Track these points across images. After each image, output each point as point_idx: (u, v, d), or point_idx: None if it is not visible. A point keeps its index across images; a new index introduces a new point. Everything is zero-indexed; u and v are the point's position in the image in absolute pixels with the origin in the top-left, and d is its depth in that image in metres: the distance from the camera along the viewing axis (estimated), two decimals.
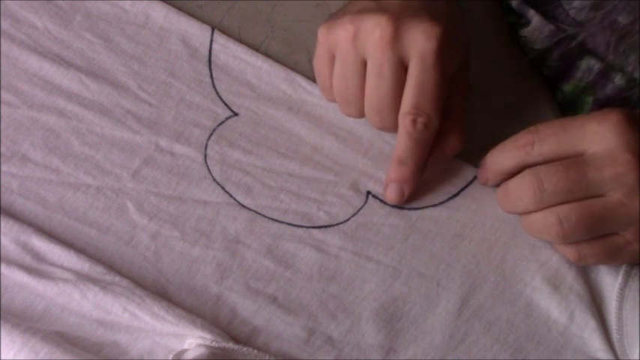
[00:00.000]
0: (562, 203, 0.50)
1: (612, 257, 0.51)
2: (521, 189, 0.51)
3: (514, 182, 0.52)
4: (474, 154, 0.58)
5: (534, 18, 0.61)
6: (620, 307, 0.53)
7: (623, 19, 0.57)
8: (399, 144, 0.52)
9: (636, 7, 0.55)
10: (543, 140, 0.51)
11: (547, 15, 0.61)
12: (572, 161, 0.49)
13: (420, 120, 0.50)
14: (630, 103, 0.59)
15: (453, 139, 0.54)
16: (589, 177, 0.49)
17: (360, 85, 0.51)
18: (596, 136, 0.49)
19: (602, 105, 0.60)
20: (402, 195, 0.53)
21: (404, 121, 0.51)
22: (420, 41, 0.49)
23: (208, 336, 0.48)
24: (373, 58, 0.50)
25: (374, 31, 0.50)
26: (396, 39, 0.49)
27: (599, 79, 0.59)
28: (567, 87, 0.61)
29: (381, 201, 0.55)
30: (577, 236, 0.50)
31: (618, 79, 0.59)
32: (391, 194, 0.54)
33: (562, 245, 0.52)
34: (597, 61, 0.59)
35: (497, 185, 0.54)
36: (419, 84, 0.50)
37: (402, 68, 0.50)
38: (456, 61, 0.52)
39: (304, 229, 0.53)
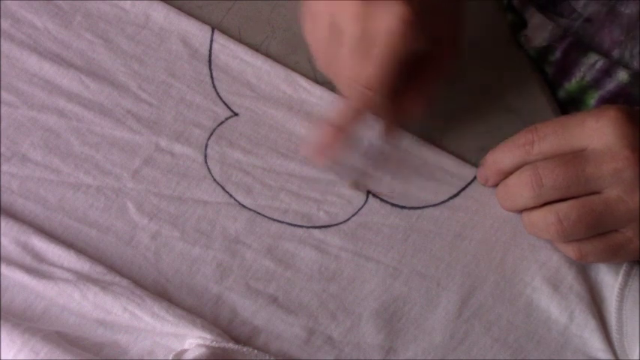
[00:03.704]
0: (561, 199, 0.50)
1: (613, 255, 0.51)
2: (520, 184, 0.51)
3: (513, 178, 0.52)
4: (474, 154, 0.58)
5: (535, 15, 0.61)
6: (620, 307, 0.53)
7: (629, 13, 0.57)
8: (338, 106, 0.53)
9: None
10: (543, 139, 0.51)
11: (552, 11, 0.61)
12: (571, 156, 0.50)
13: (362, 92, 0.51)
14: (634, 99, 0.59)
15: (410, 109, 0.54)
16: (587, 172, 0.49)
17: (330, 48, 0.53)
18: (594, 132, 0.49)
19: (606, 102, 0.60)
20: (317, 151, 0.54)
21: (348, 88, 0.52)
22: (386, 20, 0.50)
23: (208, 336, 0.48)
24: (344, 29, 0.51)
25: (348, 5, 0.51)
26: (365, 15, 0.50)
27: (603, 76, 0.59)
28: (570, 85, 0.61)
29: (382, 200, 0.55)
30: (577, 234, 0.50)
31: (622, 75, 0.58)
32: (318, 154, 0.54)
33: (563, 244, 0.52)
34: (600, 57, 0.59)
35: (497, 186, 0.54)
36: (374, 59, 0.50)
37: (366, 42, 0.51)
38: (423, 44, 0.52)
39: (304, 229, 0.53)
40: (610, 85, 0.59)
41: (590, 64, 0.59)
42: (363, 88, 0.51)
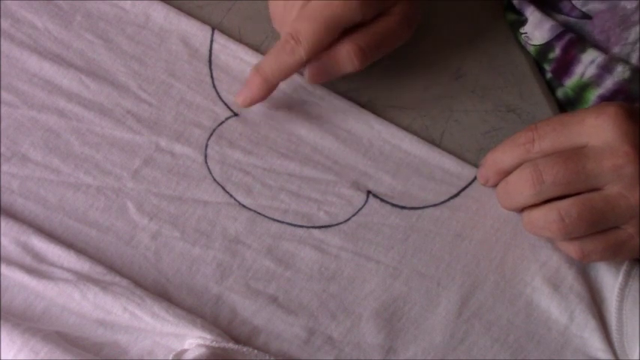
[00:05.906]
0: (561, 196, 0.50)
1: (615, 252, 0.51)
2: (520, 182, 0.51)
3: (513, 176, 0.52)
4: (474, 154, 0.58)
5: (534, 14, 0.61)
6: (620, 308, 0.53)
7: (629, 8, 0.57)
8: (267, 54, 0.54)
9: None
10: (543, 137, 0.51)
11: (551, 8, 0.61)
12: (572, 153, 0.50)
13: (292, 43, 0.53)
14: (634, 97, 0.59)
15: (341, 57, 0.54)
16: (588, 169, 0.49)
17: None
18: (594, 129, 0.49)
19: (606, 100, 0.60)
20: (243, 98, 0.55)
21: (281, 38, 0.54)
22: None
23: (208, 336, 0.48)
24: None
25: None
26: None
27: (603, 72, 0.59)
28: (570, 83, 0.61)
29: (382, 200, 0.55)
30: (579, 231, 0.50)
31: (622, 71, 0.58)
32: (238, 95, 0.55)
33: (565, 242, 0.52)
34: (600, 53, 0.59)
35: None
36: (309, 15, 0.53)
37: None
38: (361, 16, 0.53)
39: (304, 229, 0.53)
40: (609, 83, 0.59)
41: (590, 61, 0.59)
42: (296, 43, 0.53)
